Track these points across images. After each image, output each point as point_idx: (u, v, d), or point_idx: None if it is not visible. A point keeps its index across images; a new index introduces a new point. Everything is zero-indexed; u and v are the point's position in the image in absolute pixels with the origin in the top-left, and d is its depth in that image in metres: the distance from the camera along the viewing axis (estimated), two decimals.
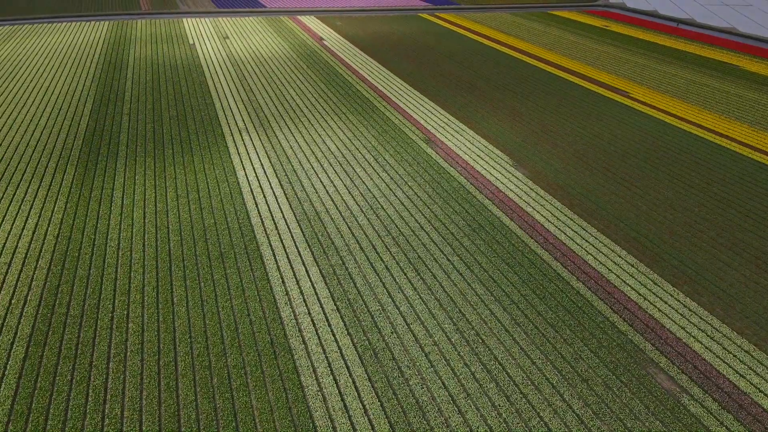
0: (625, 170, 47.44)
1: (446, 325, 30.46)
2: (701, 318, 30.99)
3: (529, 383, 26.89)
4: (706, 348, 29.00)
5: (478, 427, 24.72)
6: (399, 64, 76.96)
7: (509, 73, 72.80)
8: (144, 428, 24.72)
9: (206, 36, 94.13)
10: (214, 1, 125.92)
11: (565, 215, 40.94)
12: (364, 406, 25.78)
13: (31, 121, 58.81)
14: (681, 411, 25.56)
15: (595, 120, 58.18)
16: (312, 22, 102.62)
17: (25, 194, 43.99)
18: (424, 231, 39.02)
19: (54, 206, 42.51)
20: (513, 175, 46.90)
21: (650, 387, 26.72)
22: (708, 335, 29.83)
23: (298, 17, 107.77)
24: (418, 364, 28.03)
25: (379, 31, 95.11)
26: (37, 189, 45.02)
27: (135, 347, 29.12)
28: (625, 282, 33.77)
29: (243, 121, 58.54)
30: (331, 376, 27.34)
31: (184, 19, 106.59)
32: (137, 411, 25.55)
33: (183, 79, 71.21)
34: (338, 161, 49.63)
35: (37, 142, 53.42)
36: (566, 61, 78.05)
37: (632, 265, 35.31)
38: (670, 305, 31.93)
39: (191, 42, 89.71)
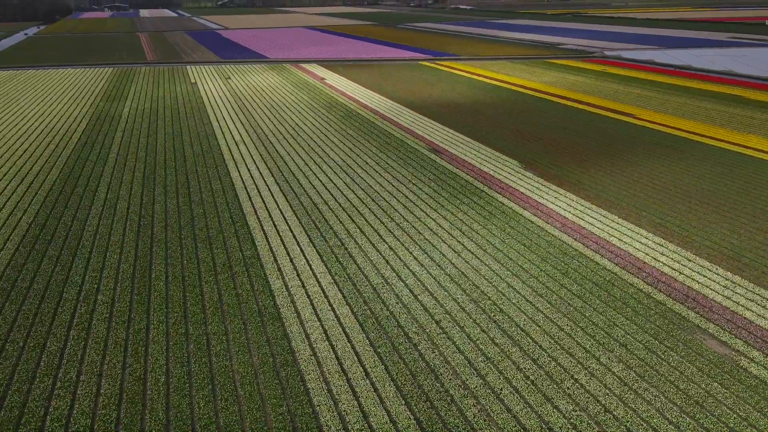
0: (641, 170, 44.88)
1: (459, 296, 26.79)
2: (747, 289, 27.33)
3: (558, 348, 22.98)
4: (759, 315, 25.18)
5: (501, 389, 20.65)
6: (401, 95, 76.37)
7: (511, 102, 71.94)
8: (102, 391, 20.66)
9: (208, 76, 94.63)
10: (218, 54, 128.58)
11: (582, 205, 37.95)
12: (365, 369, 21.78)
13: (21, 135, 57.02)
14: (741, 373, 21.52)
15: (602, 133, 56.33)
16: (314, 68, 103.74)
17: (3, 190, 41.27)
18: (431, 218, 35.92)
19: (32, 199, 39.64)
20: (523, 174, 44.28)
21: (701, 351, 22.78)
22: (759, 304, 26.05)
23: (301, 65, 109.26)
24: (427, 330, 24.19)
25: (381, 72, 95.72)
26: (17, 186, 42.31)
27: (102, 317, 25.37)
28: (655, 259, 30.31)
29: (240, 135, 56.67)
30: (327, 342, 23.45)
31: (188, 67, 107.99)
32: (96, 375, 21.54)
33: (182, 106, 70.27)
34: (338, 164, 47.18)
35: (24, 152, 51.30)
36: (568, 93, 77.56)
37: (661, 245, 31.95)
38: (709, 278, 28.34)
39: (193, 81, 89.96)
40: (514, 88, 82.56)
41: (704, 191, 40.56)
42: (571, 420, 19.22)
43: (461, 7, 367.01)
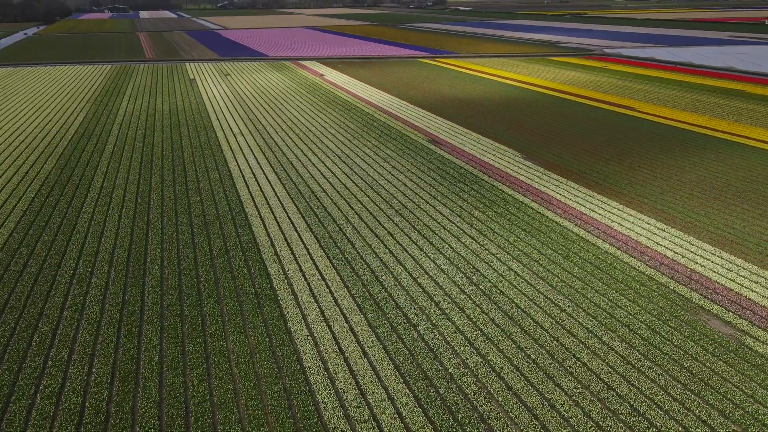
0: (642, 160, 44.50)
1: (458, 279, 26.36)
2: (752, 272, 26.89)
3: (560, 328, 22.56)
4: (764, 296, 24.77)
5: (502, 368, 20.23)
6: (400, 90, 76.03)
7: (511, 97, 71.52)
8: (94, 370, 20.24)
9: (207, 73, 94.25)
10: (217, 52, 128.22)
11: (583, 192, 37.56)
12: (363, 349, 21.34)
13: (18, 128, 56.63)
14: (746, 352, 21.11)
15: (603, 125, 55.97)
16: (313, 65, 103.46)
17: None
18: (430, 205, 35.51)
19: (27, 188, 39.23)
20: (523, 164, 43.88)
21: (705, 331, 22.36)
22: (763, 286, 25.63)
23: (300, 62, 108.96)
24: (426, 311, 23.77)
25: (380, 69, 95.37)
26: (12, 176, 41.90)
27: (96, 299, 24.92)
28: (657, 243, 29.88)
29: (238, 127, 56.28)
30: (324, 323, 23.01)
31: (187, 64, 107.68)
32: (88, 354, 21.11)
33: (180, 101, 69.88)
34: (336, 154, 46.77)
35: (20, 143, 50.89)
36: (568, 88, 77.19)
37: (663, 230, 31.54)
38: (713, 261, 27.92)
39: (191, 77, 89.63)
40: (514, 83, 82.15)
41: (706, 179, 40.14)
42: (574, 397, 18.78)
43: (460, 8, 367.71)
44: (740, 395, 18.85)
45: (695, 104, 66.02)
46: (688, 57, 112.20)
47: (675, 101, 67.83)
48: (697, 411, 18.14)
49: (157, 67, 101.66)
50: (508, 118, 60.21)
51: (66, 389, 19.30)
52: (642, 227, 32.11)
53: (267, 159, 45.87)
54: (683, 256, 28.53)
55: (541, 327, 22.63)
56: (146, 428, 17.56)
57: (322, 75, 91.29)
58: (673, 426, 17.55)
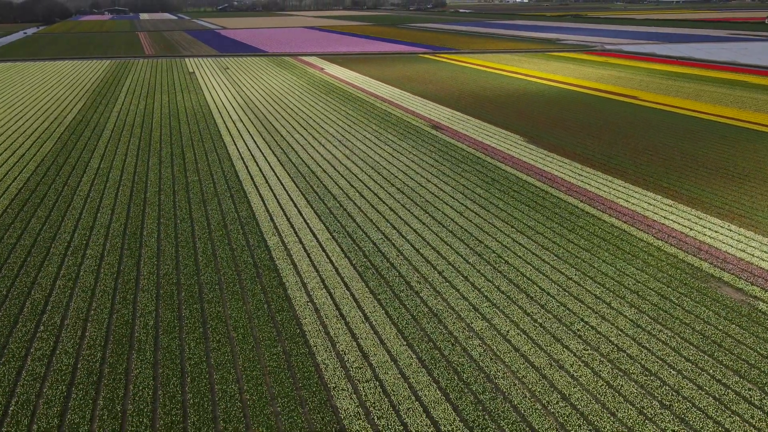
0: (645, 142, 43.94)
1: (462, 250, 25.75)
2: (762, 243, 26.28)
3: (567, 294, 21.94)
4: None
5: (508, 331, 19.60)
6: (401, 82, 75.52)
7: (512, 87, 71.01)
8: (87, 335, 19.62)
9: (206, 67, 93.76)
10: (217, 48, 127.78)
11: (587, 172, 36.96)
12: (364, 314, 20.72)
13: (15, 115, 56.03)
14: (759, 316, 20.48)
15: (605, 112, 55.39)
16: (314, 61, 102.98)
17: None
18: (432, 183, 34.92)
19: (23, 168, 38.65)
20: (527, 147, 43.31)
21: (715, 297, 21.75)
22: None
23: (300, 58, 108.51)
24: (430, 279, 23.16)
25: (380, 64, 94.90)
26: (8, 158, 41.34)
27: (90, 269, 24.32)
28: (665, 218, 29.28)
29: (237, 115, 55.69)
30: (324, 290, 22.39)
31: (187, 59, 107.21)
32: (81, 320, 20.48)
33: (179, 93, 69.31)
34: (336, 139, 46.19)
35: (17, 129, 50.31)
36: (569, 79, 76.70)
37: (670, 205, 30.93)
38: (722, 234, 27.32)
39: (191, 70, 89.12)
40: (515, 76, 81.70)
41: (712, 160, 39.52)
42: (583, 358, 18.16)
43: (461, 10, 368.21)
44: (755, 356, 18.24)
45: (698, 93, 65.50)
46: (689, 52, 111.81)
47: (678, 91, 67.30)
48: (711, 371, 17.53)
49: (157, 62, 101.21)
50: (511, 107, 59.67)
51: (58, 351, 18.68)
52: (648, 203, 31.50)
53: (266, 143, 45.28)
54: (691, 229, 27.91)
55: (548, 294, 22.01)
56: (140, 387, 16.94)
57: (322, 69, 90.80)
58: (687, 385, 16.94)
